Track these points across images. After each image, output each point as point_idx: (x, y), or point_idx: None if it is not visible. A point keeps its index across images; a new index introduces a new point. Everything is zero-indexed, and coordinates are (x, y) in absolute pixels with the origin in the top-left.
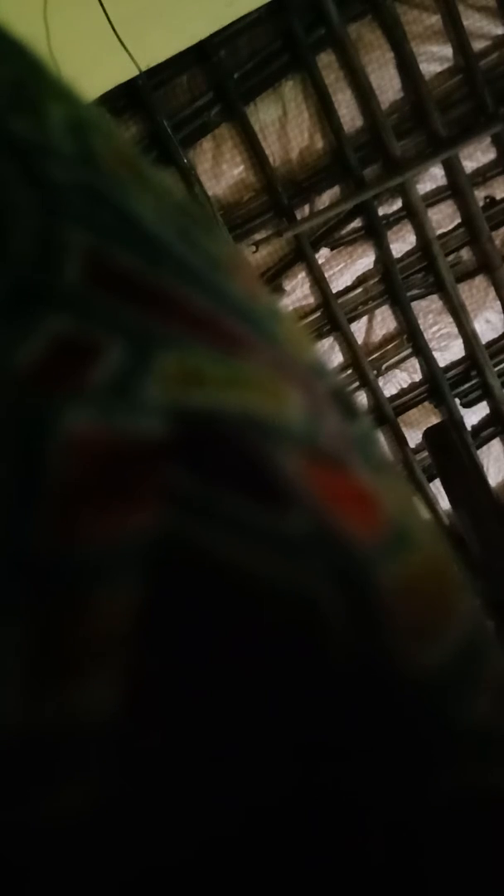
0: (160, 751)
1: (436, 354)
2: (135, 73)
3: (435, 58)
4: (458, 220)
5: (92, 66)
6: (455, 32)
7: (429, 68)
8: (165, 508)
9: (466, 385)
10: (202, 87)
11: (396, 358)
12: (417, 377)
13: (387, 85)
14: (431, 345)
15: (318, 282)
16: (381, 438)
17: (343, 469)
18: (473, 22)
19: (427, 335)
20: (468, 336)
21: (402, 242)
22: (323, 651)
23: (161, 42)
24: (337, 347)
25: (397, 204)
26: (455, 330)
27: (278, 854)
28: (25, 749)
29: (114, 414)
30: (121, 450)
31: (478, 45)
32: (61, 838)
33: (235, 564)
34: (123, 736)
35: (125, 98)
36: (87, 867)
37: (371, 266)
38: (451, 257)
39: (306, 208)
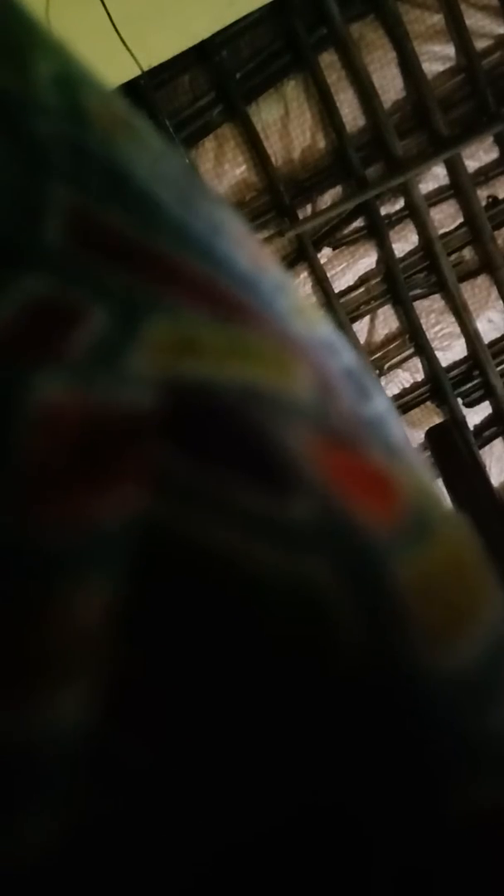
0: (141, 770)
1: (438, 354)
2: (136, 73)
3: (437, 57)
4: (461, 220)
5: (93, 67)
6: (457, 32)
7: (431, 68)
8: (149, 491)
9: (469, 385)
10: (204, 86)
11: (398, 358)
12: (419, 377)
13: (389, 84)
14: (433, 344)
15: (320, 281)
16: None
17: (356, 450)
18: (476, 21)
19: (429, 335)
20: (470, 336)
21: (404, 242)
22: (330, 657)
23: (163, 42)
24: None
25: (399, 203)
26: (457, 329)
27: (273, 885)
28: None
29: (93, 384)
30: (99, 424)
31: (480, 44)
32: (22, 882)
33: (228, 556)
34: (98, 753)
35: (127, 98)
36: None
37: (373, 266)
38: (453, 257)
39: (308, 208)
